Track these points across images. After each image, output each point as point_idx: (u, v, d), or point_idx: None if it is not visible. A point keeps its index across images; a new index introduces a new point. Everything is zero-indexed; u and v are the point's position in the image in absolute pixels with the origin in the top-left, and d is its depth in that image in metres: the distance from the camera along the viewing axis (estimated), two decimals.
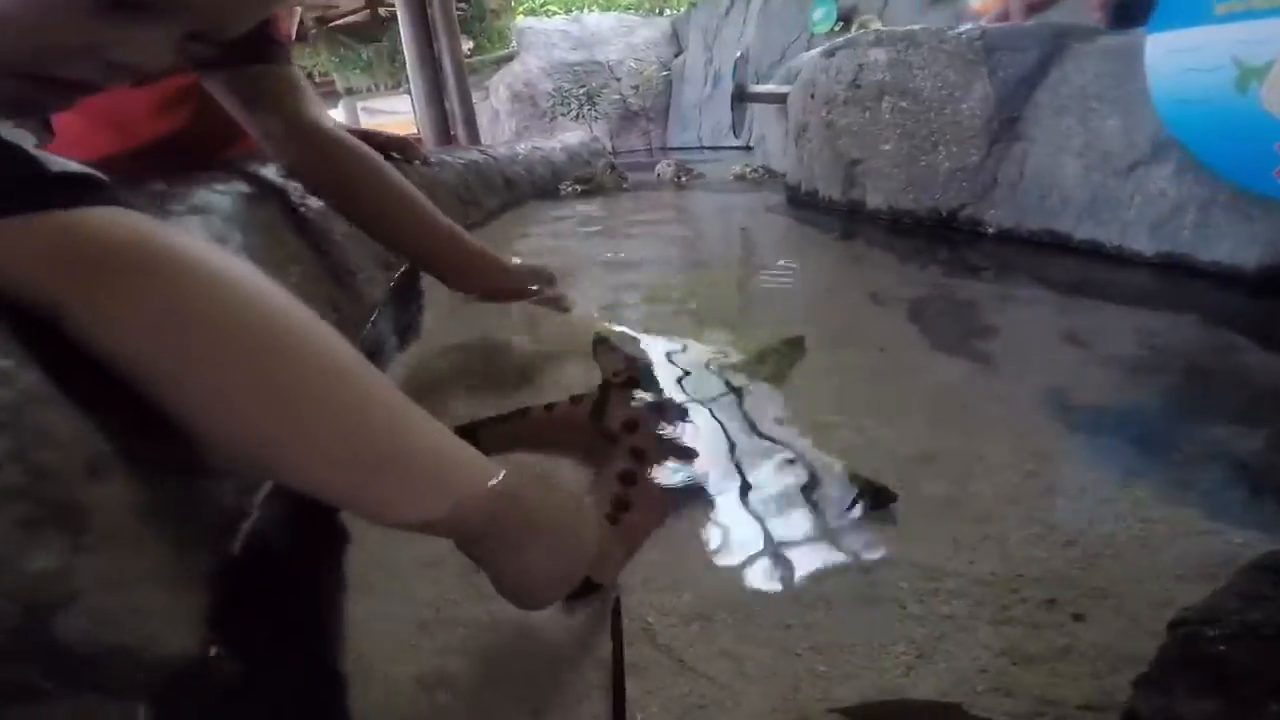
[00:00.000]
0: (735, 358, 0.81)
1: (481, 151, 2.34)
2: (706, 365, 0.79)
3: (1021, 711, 0.37)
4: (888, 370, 0.81)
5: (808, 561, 0.49)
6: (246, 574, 0.43)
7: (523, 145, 2.76)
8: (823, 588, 0.46)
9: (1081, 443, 0.63)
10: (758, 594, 0.46)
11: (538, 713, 0.39)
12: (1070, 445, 0.63)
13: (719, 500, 0.56)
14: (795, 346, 0.84)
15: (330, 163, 0.77)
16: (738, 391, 0.73)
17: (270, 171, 0.98)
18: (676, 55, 5.83)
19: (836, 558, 0.49)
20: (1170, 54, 1.14)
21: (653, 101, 5.82)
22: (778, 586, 0.47)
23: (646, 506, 0.54)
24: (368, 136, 1.35)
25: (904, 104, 1.53)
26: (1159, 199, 1.16)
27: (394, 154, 1.47)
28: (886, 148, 1.57)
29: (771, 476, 0.59)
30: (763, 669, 0.41)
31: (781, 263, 1.36)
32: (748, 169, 2.72)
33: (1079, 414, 0.68)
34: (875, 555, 0.49)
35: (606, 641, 0.43)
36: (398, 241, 0.86)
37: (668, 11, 6.55)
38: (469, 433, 0.64)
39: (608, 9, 6.47)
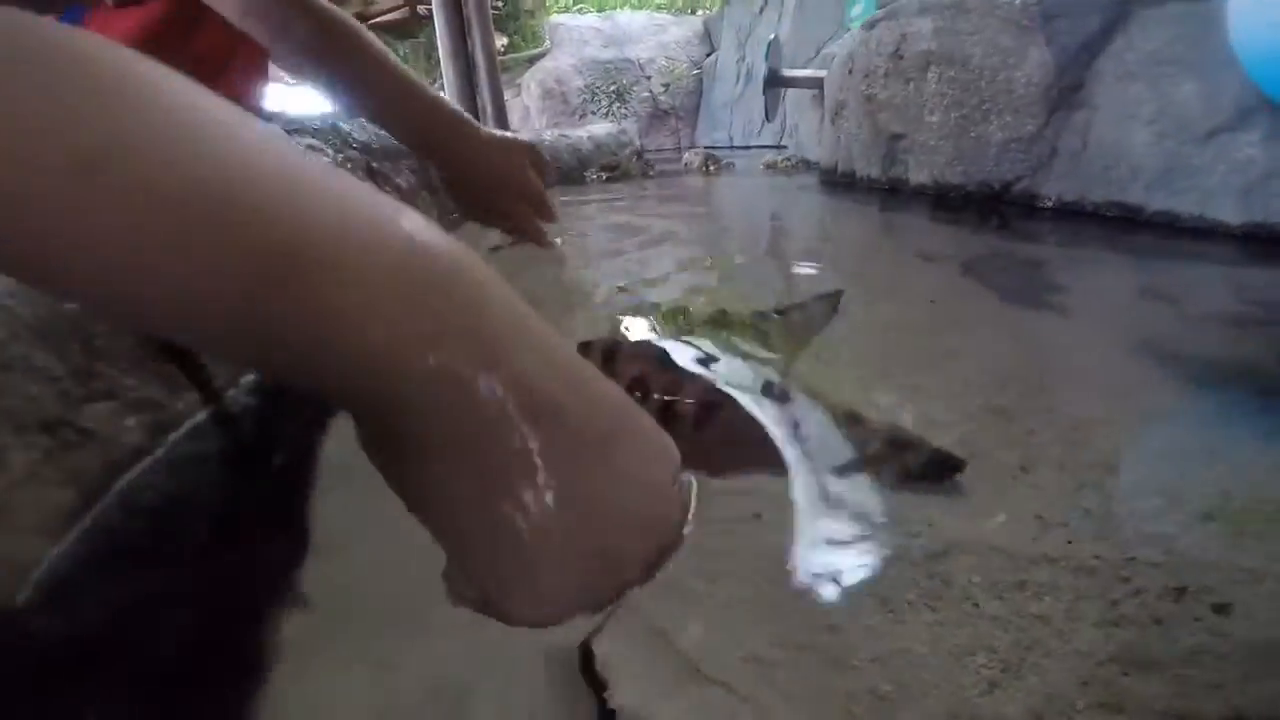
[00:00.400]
0: (764, 309, 0.71)
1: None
2: (732, 319, 0.69)
3: None
4: (943, 323, 0.70)
5: (856, 549, 0.39)
6: (135, 520, 0.34)
7: (549, 132, 2.70)
8: (876, 582, 0.36)
9: (1196, 398, 0.52)
10: (795, 590, 0.36)
11: None
12: (1182, 401, 0.51)
13: (745, 472, 0.46)
14: (831, 300, 0.74)
15: (319, 29, 0.77)
16: (768, 346, 0.63)
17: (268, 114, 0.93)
18: (708, 55, 5.74)
19: (892, 544, 0.39)
20: (1258, 10, 1.04)
21: (683, 100, 5.75)
22: (819, 580, 0.37)
23: None
24: None
25: (951, 73, 1.42)
26: (1247, 166, 1.04)
27: None
28: (932, 119, 1.46)
29: (808, 442, 0.49)
30: (799, 682, 0.31)
31: (816, 226, 1.27)
32: (780, 159, 2.62)
33: (1184, 367, 0.56)
34: (941, 540, 0.39)
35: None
36: (379, 109, 0.83)
37: (700, 11, 6.48)
38: None
39: (640, 7, 6.43)
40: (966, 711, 0.29)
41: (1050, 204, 1.28)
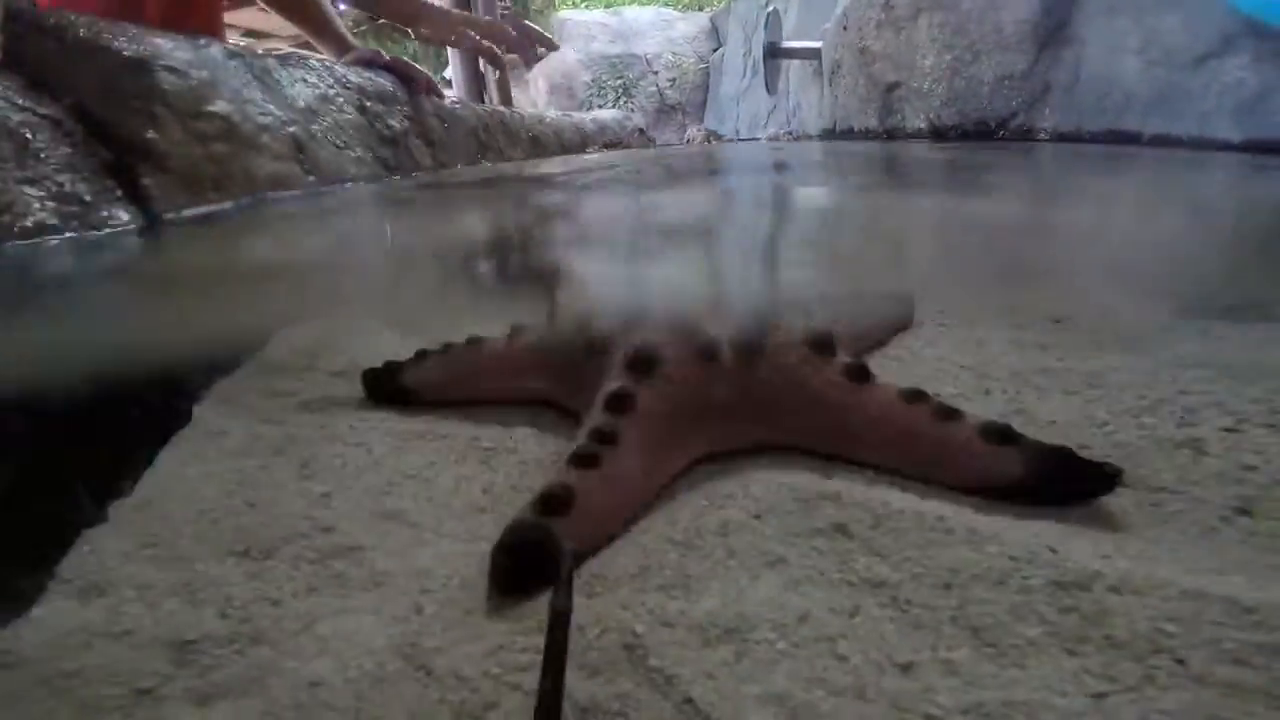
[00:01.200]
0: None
1: (510, 110, 2.31)
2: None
3: None
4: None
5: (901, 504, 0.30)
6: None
7: (554, 112, 2.73)
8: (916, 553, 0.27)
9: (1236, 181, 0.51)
10: (832, 591, 0.26)
11: None
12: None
13: None
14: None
15: None
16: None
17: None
18: (715, 50, 5.76)
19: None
20: None
21: (689, 95, 5.77)
22: (865, 571, 0.26)
23: (642, 451, 0.33)
24: (391, 64, 1.39)
25: (941, 18, 1.44)
26: (1238, 87, 1.05)
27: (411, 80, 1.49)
28: (925, 64, 1.47)
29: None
30: None
31: (813, 155, 1.28)
32: (782, 132, 2.63)
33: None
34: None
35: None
36: None
37: (707, 8, 6.51)
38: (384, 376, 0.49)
39: (647, 3, 6.47)
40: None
41: (1046, 136, 1.29)
